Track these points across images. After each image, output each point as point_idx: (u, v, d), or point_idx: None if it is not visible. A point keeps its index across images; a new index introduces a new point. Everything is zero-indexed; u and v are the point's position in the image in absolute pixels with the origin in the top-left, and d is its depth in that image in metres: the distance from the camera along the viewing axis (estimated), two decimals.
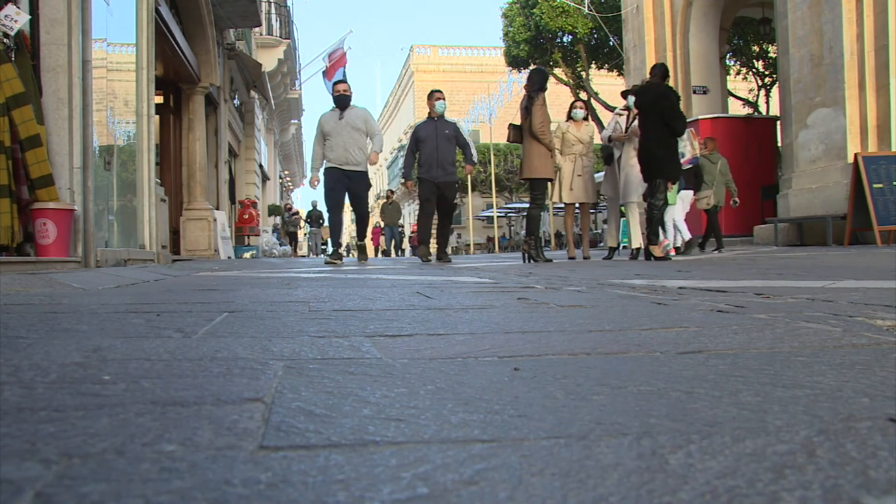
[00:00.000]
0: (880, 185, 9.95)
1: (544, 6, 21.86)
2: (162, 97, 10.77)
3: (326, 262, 7.81)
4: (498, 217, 31.36)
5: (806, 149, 11.58)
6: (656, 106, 6.75)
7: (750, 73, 21.92)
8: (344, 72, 21.37)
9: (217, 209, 12.24)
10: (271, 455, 0.66)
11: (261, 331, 1.61)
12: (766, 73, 21.07)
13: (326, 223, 24.37)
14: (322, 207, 25.64)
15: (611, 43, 21.29)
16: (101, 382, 1.00)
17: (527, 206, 10.02)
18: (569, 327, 1.63)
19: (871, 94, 10.65)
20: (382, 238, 21.62)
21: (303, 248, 26.21)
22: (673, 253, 9.37)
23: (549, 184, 7.84)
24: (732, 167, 10.56)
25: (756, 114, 19.44)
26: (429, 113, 8.36)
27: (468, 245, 33.07)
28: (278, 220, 23.44)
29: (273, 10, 19.45)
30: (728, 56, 19.11)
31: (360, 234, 8.55)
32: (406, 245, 29.59)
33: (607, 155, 8.25)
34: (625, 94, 8.07)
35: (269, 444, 0.69)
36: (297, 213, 25.35)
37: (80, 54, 5.46)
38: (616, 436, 0.71)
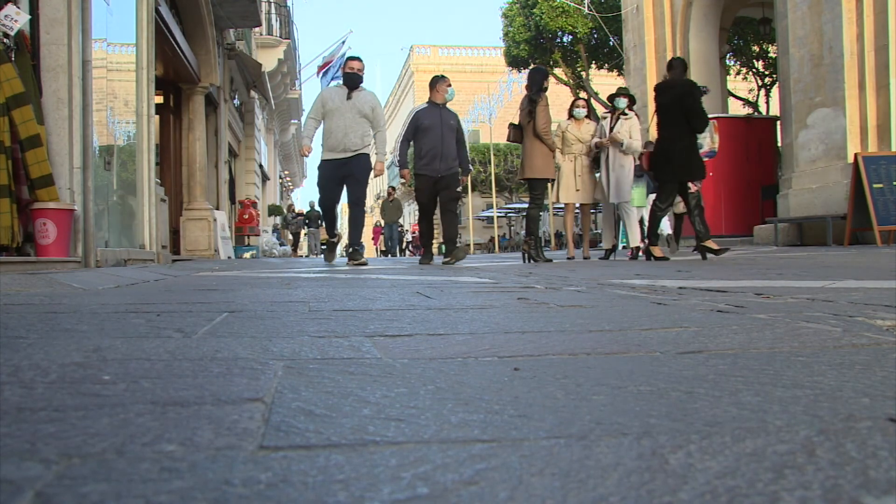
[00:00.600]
0: (880, 185, 9.95)
1: (544, 6, 21.86)
2: (162, 97, 10.77)
3: (350, 265, 6.73)
4: (498, 217, 31.36)
5: (806, 149, 11.58)
6: (680, 104, 6.50)
7: (750, 73, 21.93)
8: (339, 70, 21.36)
9: (217, 209, 12.24)
10: (271, 455, 0.66)
11: (261, 331, 1.61)
12: (766, 73, 21.07)
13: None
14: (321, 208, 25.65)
15: (611, 43, 21.29)
16: (101, 382, 1.00)
17: (527, 206, 9.96)
18: (569, 327, 1.63)
19: (871, 94, 10.65)
20: (382, 238, 21.39)
21: (303, 248, 26.20)
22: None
23: (548, 184, 7.80)
24: (732, 167, 10.58)
25: (756, 114, 19.44)
26: (430, 98, 7.39)
27: (468, 245, 33.08)
28: (278, 220, 23.44)
29: (273, 10, 19.46)
30: (728, 56, 19.11)
31: (353, 236, 7.12)
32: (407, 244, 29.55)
33: (595, 159, 8.21)
34: (613, 97, 8.01)
35: (269, 444, 0.69)
36: (300, 213, 25.36)
37: (80, 54, 5.46)
38: (616, 436, 0.71)
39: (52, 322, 1.80)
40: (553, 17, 21.76)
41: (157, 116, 9.36)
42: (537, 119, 7.20)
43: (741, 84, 22.98)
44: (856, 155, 10.18)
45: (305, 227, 23.92)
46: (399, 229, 20.75)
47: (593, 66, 23.26)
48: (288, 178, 38.01)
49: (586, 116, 8.09)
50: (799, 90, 11.70)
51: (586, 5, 21.39)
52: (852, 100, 10.77)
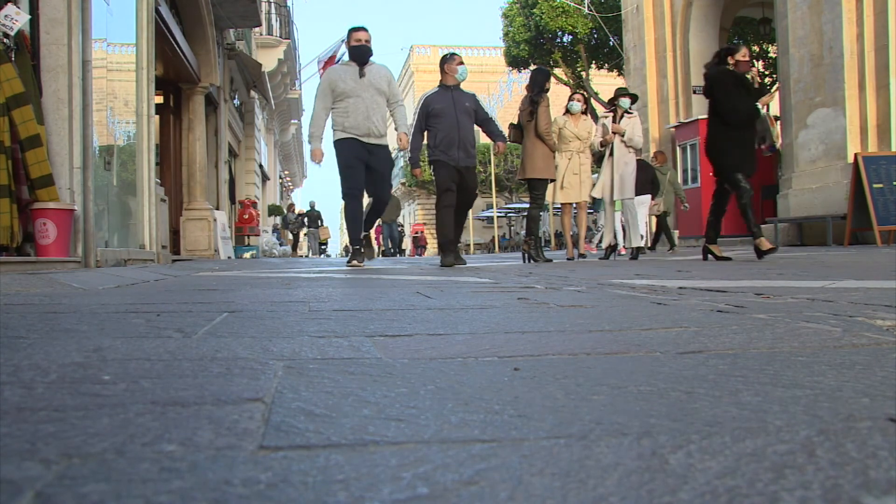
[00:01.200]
0: (880, 185, 9.96)
1: (544, 6, 21.88)
2: (162, 97, 10.77)
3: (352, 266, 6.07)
4: (498, 217, 31.36)
5: (806, 149, 11.59)
6: (709, 95, 6.12)
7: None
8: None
9: (217, 209, 12.24)
10: (271, 455, 0.66)
11: (261, 331, 1.61)
12: (766, 73, 21.08)
13: (325, 224, 24.41)
14: (320, 208, 25.61)
15: (611, 43, 21.31)
16: (101, 382, 1.00)
17: (527, 206, 9.91)
18: (569, 327, 1.63)
19: (871, 94, 10.66)
20: (381, 237, 21.13)
21: (303, 248, 26.19)
22: (623, 252, 9.41)
23: (549, 184, 7.73)
24: None
25: None
26: (441, 81, 6.65)
27: (468, 245, 33.08)
28: (278, 220, 23.43)
29: (273, 10, 19.47)
30: None
31: (369, 222, 6.51)
32: (407, 244, 29.47)
33: (598, 158, 8.17)
34: (615, 99, 7.94)
35: (270, 444, 0.69)
36: (300, 213, 25.37)
37: (80, 54, 5.46)
38: (616, 436, 0.71)
39: (52, 322, 1.80)
40: (553, 17, 21.78)
41: (157, 116, 9.36)
42: (539, 119, 7.15)
43: None
44: (856, 155, 10.19)
45: (305, 227, 23.91)
46: (399, 229, 20.65)
47: (593, 66, 23.28)
48: (288, 178, 38.03)
49: (583, 112, 7.99)
50: (799, 90, 11.71)
51: (586, 5, 21.41)
52: (852, 100, 10.78)
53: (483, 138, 10.04)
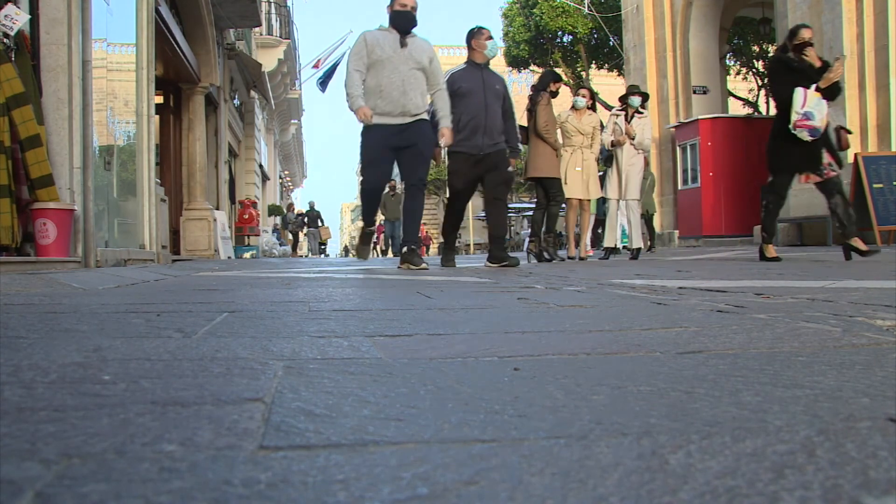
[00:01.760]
0: (880, 185, 9.96)
1: (544, 6, 21.88)
2: (162, 97, 10.78)
3: (405, 267, 5.25)
4: None
5: None
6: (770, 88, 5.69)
7: (750, 73, 21.94)
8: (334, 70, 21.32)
9: (217, 209, 12.24)
10: (271, 455, 0.66)
11: (261, 331, 1.61)
12: (767, 73, 21.09)
13: (326, 223, 24.39)
14: (320, 208, 25.57)
15: (611, 43, 21.31)
16: (101, 382, 1.00)
17: (528, 205, 9.85)
18: (569, 327, 1.63)
19: (871, 94, 10.65)
20: (382, 236, 20.70)
21: (303, 248, 26.19)
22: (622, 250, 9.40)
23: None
24: (732, 167, 10.64)
25: (756, 114, 19.45)
26: (469, 57, 5.87)
27: (468, 245, 33.07)
28: (278, 220, 23.43)
29: (273, 10, 19.48)
30: (728, 56, 19.12)
31: (410, 229, 5.53)
32: None
33: (606, 157, 8.14)
34: (625, 96, 7.90)
35: (269, 444, 0.69)
36: (300, 213, 25.39)
37: (80, 54, 5.46)
38: (616, 436, 0.71)
39: (52, 322, 1.80)
40: (553, 17, 21.78)
41: (157, 116, 9.36)
42: (537, 118, 7.14)
43: (741, 84, 23.00)
44: (856, 155, 10.19)
45: (305, 227, 23.91)
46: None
47: (593, 66, 23.28)
48: (288, 178, 38.03)
49: (590, 107, 7.89)
50: None
51: (586, 5, 21.42)
52: (852, 100, 10.77)
53: None
